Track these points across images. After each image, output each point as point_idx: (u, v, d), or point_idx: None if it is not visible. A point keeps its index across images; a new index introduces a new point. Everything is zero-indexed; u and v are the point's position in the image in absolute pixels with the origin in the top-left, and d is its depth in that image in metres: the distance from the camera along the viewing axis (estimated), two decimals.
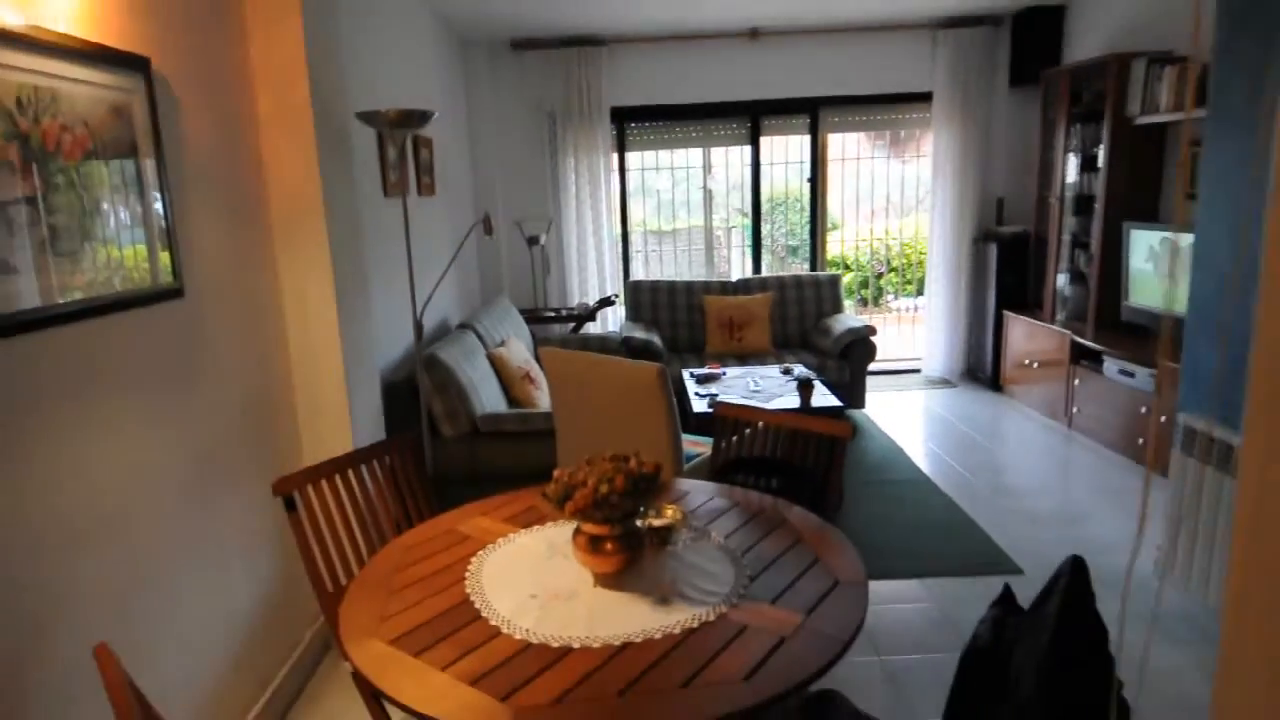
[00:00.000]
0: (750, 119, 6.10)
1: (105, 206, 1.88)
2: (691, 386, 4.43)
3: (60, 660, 1.64)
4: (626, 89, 5.89)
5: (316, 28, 2.67)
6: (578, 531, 1.63)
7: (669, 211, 7.07)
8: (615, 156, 6.08)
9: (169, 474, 2.10)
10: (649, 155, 6.47)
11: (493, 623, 1.48)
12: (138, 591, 1.91)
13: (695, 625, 1.45)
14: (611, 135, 5.95)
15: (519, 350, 4.34)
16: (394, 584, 1.66)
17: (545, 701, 1.25)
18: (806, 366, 4.89)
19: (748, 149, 6.21)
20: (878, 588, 2.39)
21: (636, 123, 6.11)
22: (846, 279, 7.56)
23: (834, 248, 7.59)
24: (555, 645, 1.39)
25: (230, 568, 2.37)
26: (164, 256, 2.09)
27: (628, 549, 1.62)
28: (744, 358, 5.29)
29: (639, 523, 1.70)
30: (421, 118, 2.82)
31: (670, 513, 1.86)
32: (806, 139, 6.20)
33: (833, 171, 6.56)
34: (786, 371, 4.69)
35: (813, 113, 6.09)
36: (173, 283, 2.12)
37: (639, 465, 1.65)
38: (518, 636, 1.43)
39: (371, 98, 3.29)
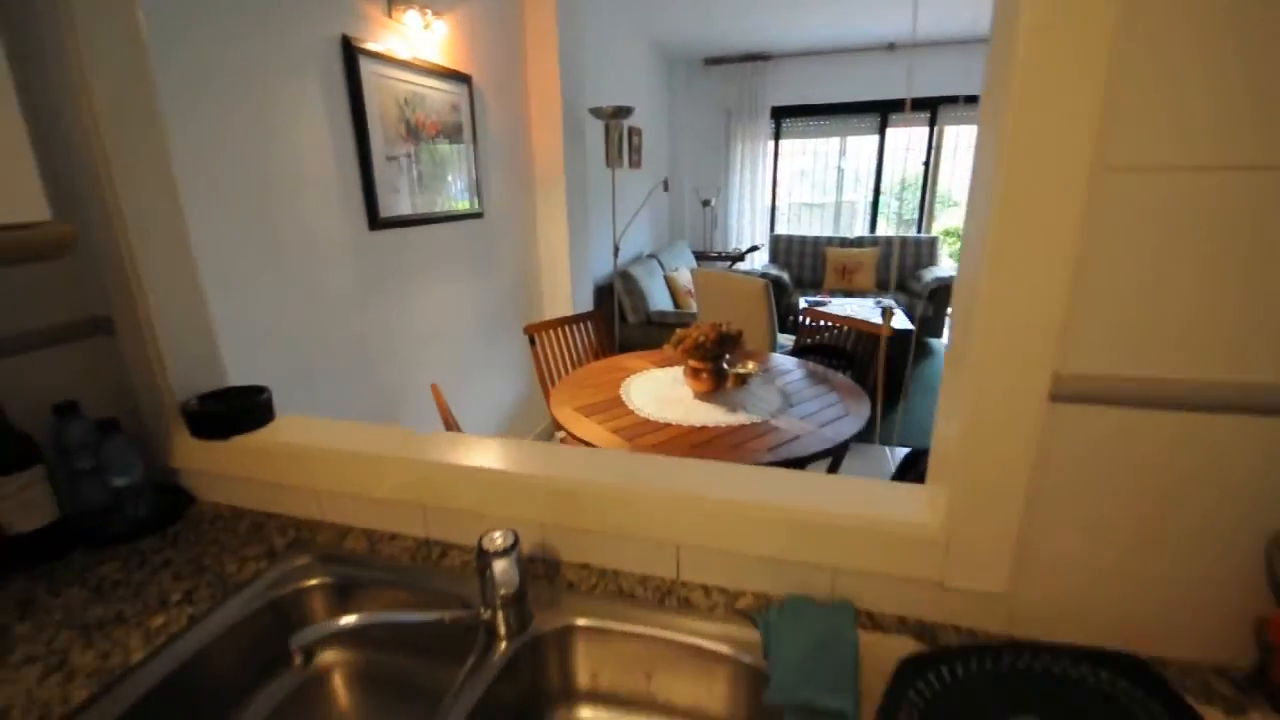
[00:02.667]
0: (880, 114, 5.77)
1: (446, 164, 2.40)
2: (802, 307, 4.51)
3: (416, 390, 2.26)
4: (784, 92, 5.76)
5: (567, 51, 3.01)
6: (687, 365, 1.96)
7: (809, 185, 6.88)
8: (771, 143, 6.03)
9: (470, 316, 2.68)
10: (798, 142, 6.32)
11: (630, 408, 1.85)
12: (451, 377, 2.52)
13: (746, 424, 1.73)
14: (770, 127, 5.90)
15: (685, 276, 4.64)
16: (582, 384, 2.09)
17: (651, 445, 1.61)
18: (899, 304, 4.76)
19: (875, 138, 5.89)
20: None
21: (790, 118, 5.99)
22: (952, 243, 6.99)
23: (953, 219, 6.99)
24: (661, 422, 1.74)
25: (500, 375, 2.96)
26: (475, 196, 2.61)
27: (715, 378, 1.92)
28: (850, 293, 5.22)
29: (726, 366, 1.99)
30: (626, 111, 3.11)
31: (751, 365, 2.12)
32: (925, 130, 5.76)
33: (951, 157, 6.05)
34: (878, 303, 4.62)
35: (933, 110, 5.63)
36: (478, 209, 2.64)
37: (728, 328, 1.94)
38: (641, 415, 1.79)
39: (599, 97, 3.63)
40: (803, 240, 5.71)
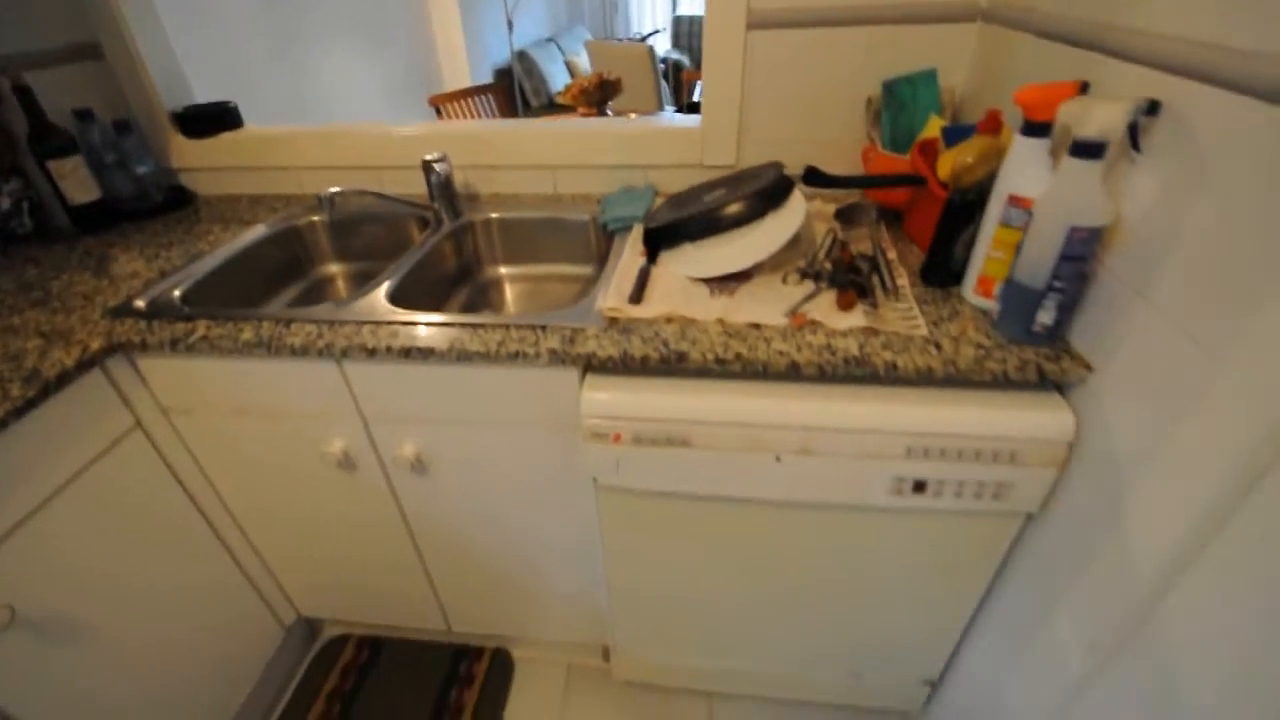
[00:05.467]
0: None
1: None
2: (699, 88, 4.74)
3: None
4: None
5: None
6: (577, 113, 2.31)
7: None
8: None
9: (375, 85, 2.84)
10: None
11: None
12: None
13: None
14: None
15: (585, 60, 4.70)
16: None
17: None
18: None
19: None
20: None
21: None
22: None
23: None
24: None
25: None
26: None
27: (599, 112, 2.30)
28: None
29: (609, 113, 2.36)
30: None
31: (632, 115, 2.49)
32: None
33: None
34: None
35: None
36: None
37: (608, 76, 2.28)
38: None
39: None
40: (703, 20, 5.68)
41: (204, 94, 1.42)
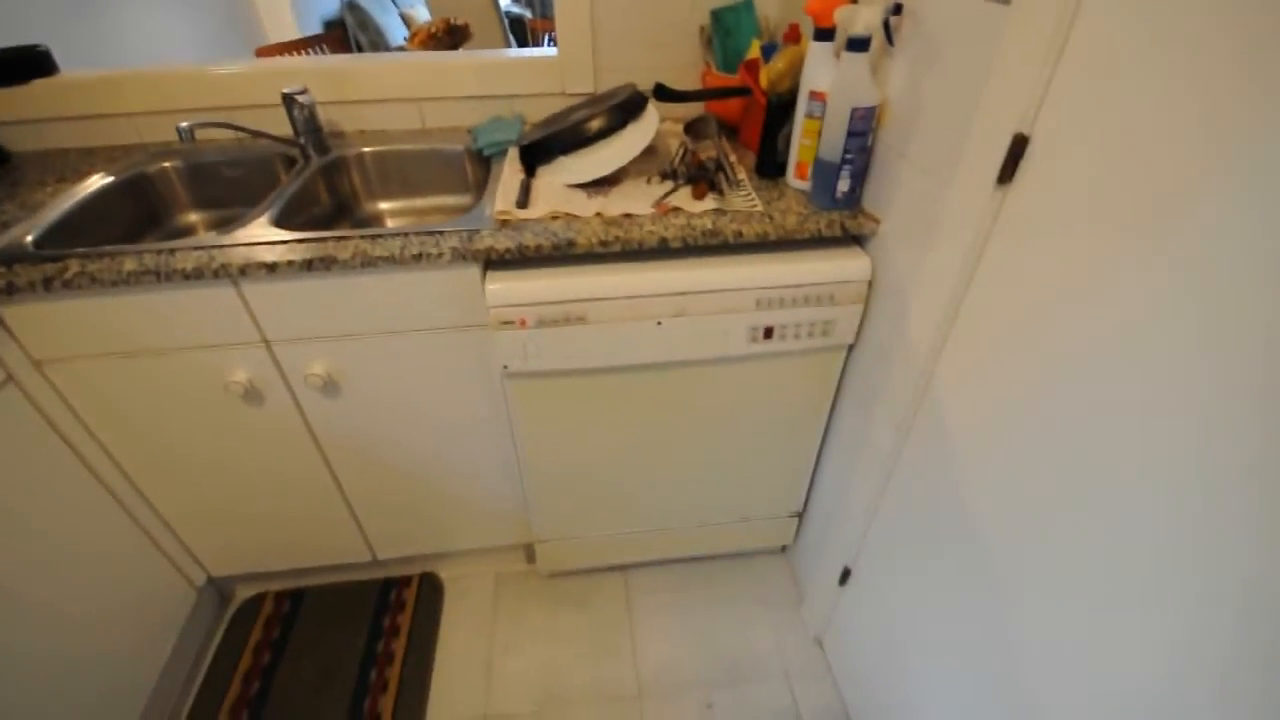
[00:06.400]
0: None
1: None
2: (547, 38, 4.73)
3: None
4: None
5: None
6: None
7: None
8: None
9: (188, 39, 2.58)
10: None
11: None
12: None
13: None
14: None
15: (422, 12, 4.49)
16: None
17: None
18: None
19: None
20: None
21: None
22: None
23: None
24: None
25: None
26: None
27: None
28: None
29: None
30: None
31: None
32: None
33: None
34: None
35: None
36: None
37: (455, 20, 2.27)
38: None
39: None
40: None
41: None
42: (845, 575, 1.18)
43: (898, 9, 0.84)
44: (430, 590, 1.48)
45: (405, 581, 1.49)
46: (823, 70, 0.93)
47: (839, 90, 0.89)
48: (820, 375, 1.12)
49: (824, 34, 0.91)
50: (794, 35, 0.98)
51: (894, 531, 0.99)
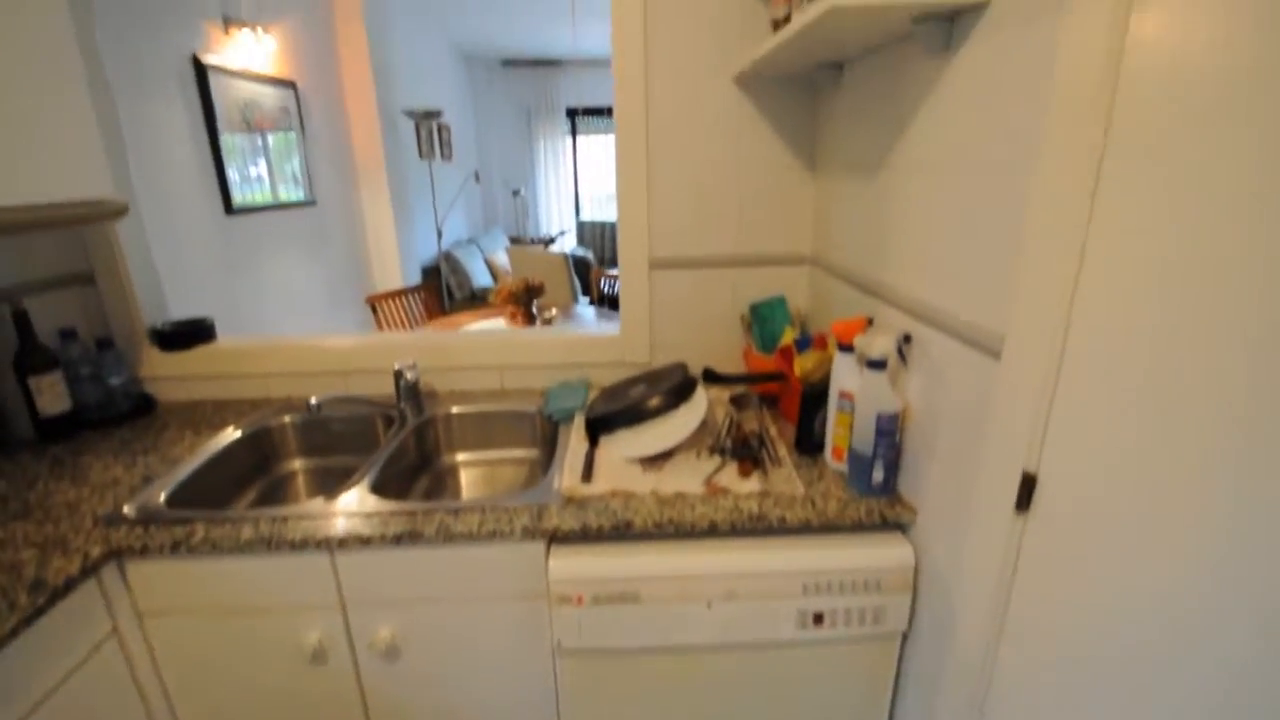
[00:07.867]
0: None
1: (282, 158, 2.80)
2: (605, 282, 5.43)
3: None
4: (577, 94, 6.61)
5: (377, 56, 3.49)
6: (506, 311, 2.68)
7: (610, 174, 7.82)
8: (570, 139, 6.85)
9: (316, 289, 3.10)
10: (594, 138, 7.22)
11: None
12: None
13: None
14: (567, 124, 6.72)
15: (503, 257, 5.30)
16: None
17: None
18: None
19: None
20: None
21: (585, 116, 6.86)
22: None
23: None
24: None
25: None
26: (308, 186, 3.02)
27: (528, 319, 2.67)
28: None
29: (535, 311, 2.74)
30: (436, 113, 3.69)
31: (554, 311, 2.90)
32: None
33: None
34: None
35: None
36: (311, 198, 3.06)
37: (533, 280, 2.69)
38: None
39: (411, 98, 4.11)
40: (604, 225, 6.64)
41: (171, 303, 1.61)
42: None
43: (908, 339, 1.00)
44: None
45: None
46: (849, 375, 1.08)
47: (863, 397, 1.02)
48: (875, 664, 1.09)
49: (846, 348, 1.08)
50: (820, 343, 1.17)
51: None
